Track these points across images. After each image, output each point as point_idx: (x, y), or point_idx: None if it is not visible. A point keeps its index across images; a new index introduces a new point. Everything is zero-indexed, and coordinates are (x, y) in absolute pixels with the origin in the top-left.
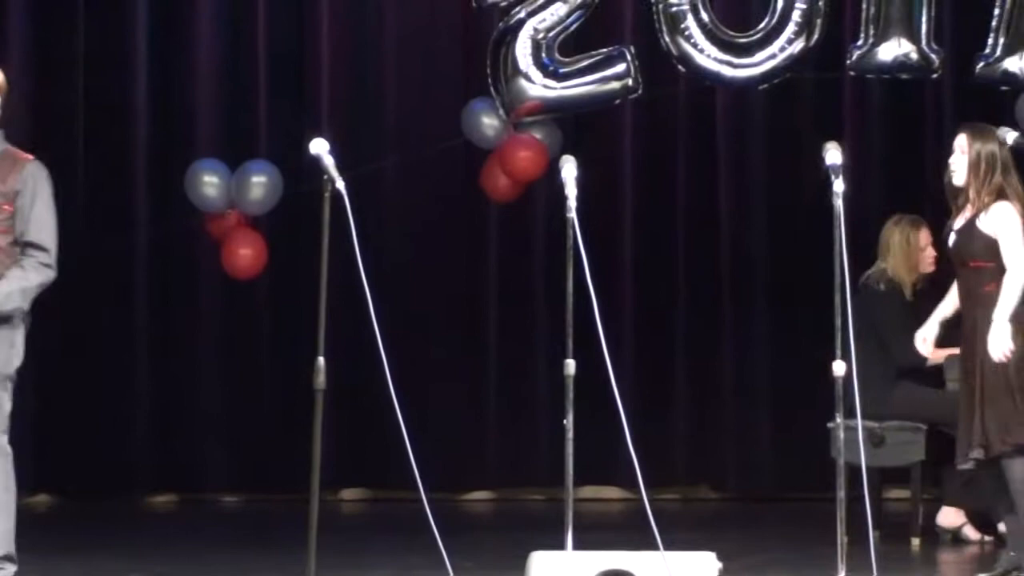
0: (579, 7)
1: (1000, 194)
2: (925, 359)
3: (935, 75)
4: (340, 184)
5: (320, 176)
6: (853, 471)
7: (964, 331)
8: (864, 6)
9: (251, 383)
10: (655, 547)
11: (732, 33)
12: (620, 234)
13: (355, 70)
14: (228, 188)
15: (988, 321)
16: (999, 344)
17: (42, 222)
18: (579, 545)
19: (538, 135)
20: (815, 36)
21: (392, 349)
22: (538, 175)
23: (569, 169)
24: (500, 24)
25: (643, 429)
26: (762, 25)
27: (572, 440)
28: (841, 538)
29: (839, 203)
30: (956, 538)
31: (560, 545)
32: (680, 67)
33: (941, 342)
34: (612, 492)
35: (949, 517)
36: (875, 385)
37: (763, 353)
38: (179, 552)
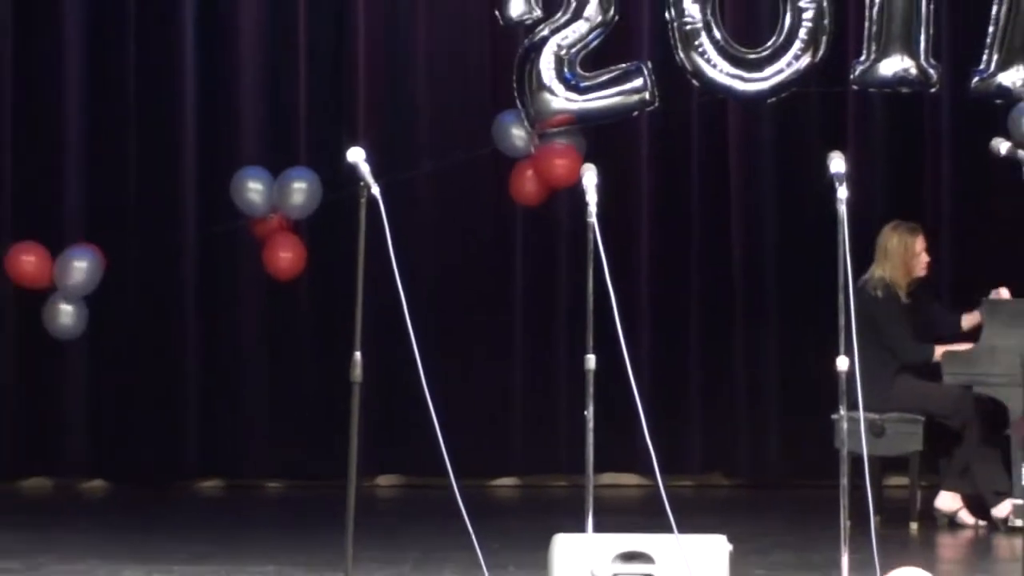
0: (599, 25)
1: None
2: (931, 357)
3: (933, 89)
4: (375, 190)
5: (357, 183)
6: (855, 460)
7: None
8: (867, 24)
9: (292, 376)
10: (670, 530)
11: (743, 49)
12: (638, 237)
13: (390, 83)
14: (271, 194)
15: None
16: None
17: None
18: (599, 528)
19: (569, 143)
20: (820, 52)
21: (424, 344)
22: (572, 182)
23: (590, 177)
24: (525, 41)
25: (659, 420)
26: (770, 42)
27: (592, 430)
28: (844, 523)
29: (843, 209)
30: (952, 522)
31: (581, 528)
32: (694, 81)
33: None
34: (630, 479)
35: (946, 502)
36: (876, 380)
37: (772, 349)
38: (224, 534)
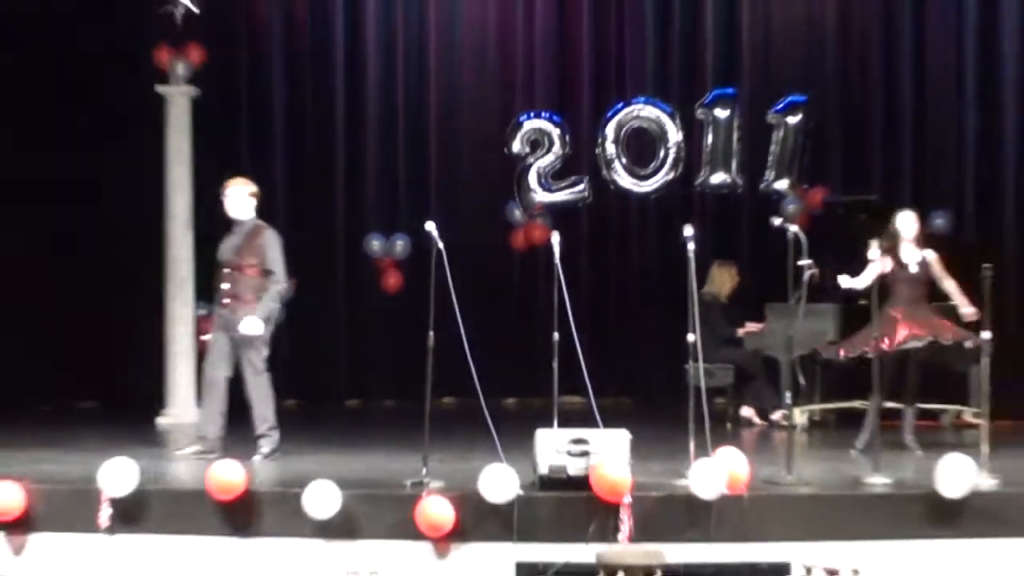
0: (560, 156)
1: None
2: (735, 335)
3: (739, 190)
4: (440, 245)
5: (432, 242)
6: (697, 390)
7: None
8: (703, 153)
9: (386, 339)
10: (598, 427)
11: (636, 169)
12: (579, 269)
13: (448, 181)
14: (384, 247)
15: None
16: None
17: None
18: (561, 426)
19: (542, 221)
20: (679, 170)
21: (467, 322)
22: (545, 241)
23: (555, 239)
24: (521, 165)
25: (595, 366)
26: (652, 166)
27: (557, 373)
28: (691, 425)
29: (691, 250)
30: (750, 423)
31: (551, 426)
32: (611, 185)
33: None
34: (577, 399)
35: (746, 412)
36: (708, 347)
37: (661, 328)
38: (360, 442)
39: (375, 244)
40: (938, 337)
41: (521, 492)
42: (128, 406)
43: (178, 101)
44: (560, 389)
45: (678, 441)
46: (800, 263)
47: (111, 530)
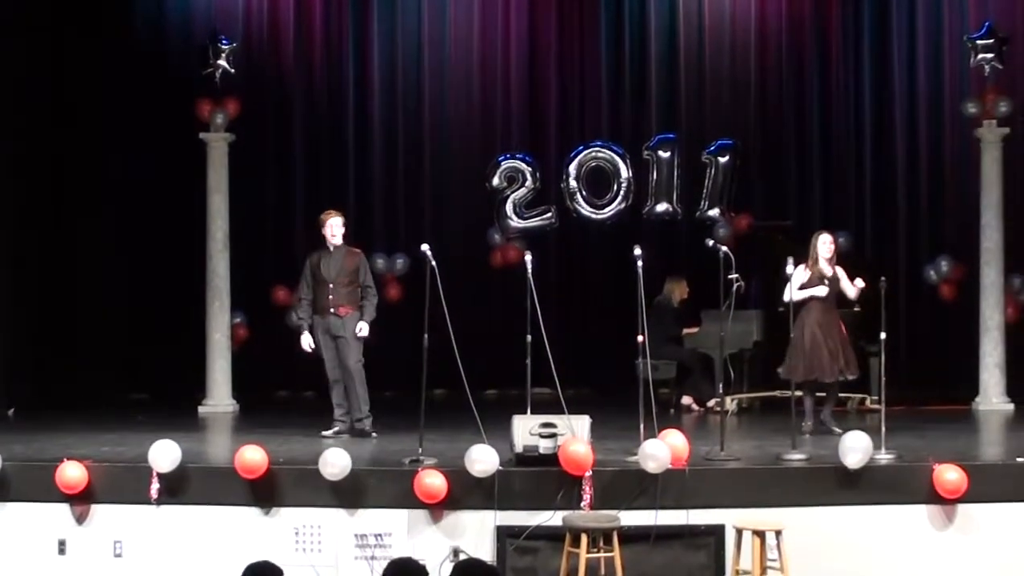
0: (532, 189)
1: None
2: (680, 334)
3: (679, 217)
4: (433, 263)
5: (426, 260)
6: (646, 382)
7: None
8: (649, 185)
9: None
10: (564, 413)
11: (595, 199)
12: (549, 282)
13: (440, 210)
14: (387, 264)
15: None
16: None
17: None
18: (533, 412)
19: (518, 245)
20: (629, 200)
21: (455, 327)
22: (519, 260)
23: (528, 258)
24: (498, 197)
25: (560, 362)
26: (607, 197)
27: (529, 367)
28: (641, 410)
29: (639, 267)
30: (689, 409)
31: (524, 412)
32: (573, 215)
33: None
34: (546, 390)
35: (686, 399)
36: (656, 345)
37: (613, 331)
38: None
39: (379, 262)
40: (844, 372)
41: (501, 467)
42: (174, 397)
43: (217, 145)
44: (532, 382)
45: (630, 424)
46: (729, 277)
47: (159, 501)
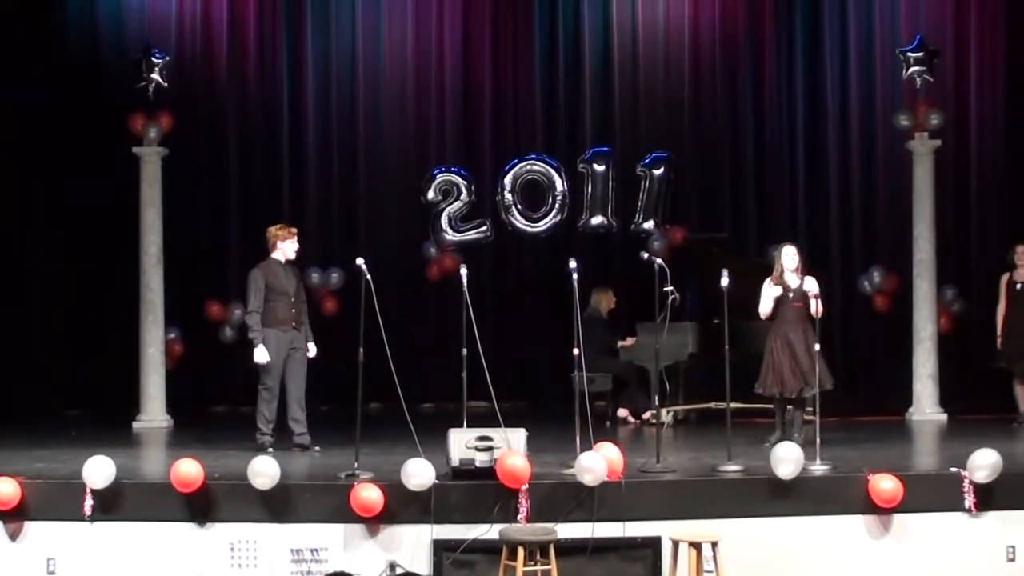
0: (467, 203)
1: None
2: (616, 346)
3: (614, 230)
4: (368, 277)
5: (361, 274)
6: (582, 395)
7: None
8: (584, 198)
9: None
10: (500, 426)
11: (530, 213)
12: (483, 291)
13: (375, 224)
14: (321, 278)
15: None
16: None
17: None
18: (469, 426)
19: (456, 255)
20: (565, 213)
21: (391, 340)
22: (455, 270)
23: (463, 271)
24: (433, 211)
25: (497, 377)
26: (542, 210)
27: (465, 381)
28: (577, 421)
29: (574, 279)
30: (625, 421)
31: (460, 425)
32: (509, 228)
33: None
34: (482, 403)
35: (622, 412)
36: (592, 357)
37: (548, 343)
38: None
39: (314, 276)
40: (804, 388)
41: (437, 481)
42: (108, 412)
43: (150, 160)
44: (468, 395)
45: (566, 437)
46: (664, 289)
47: (93, 518)
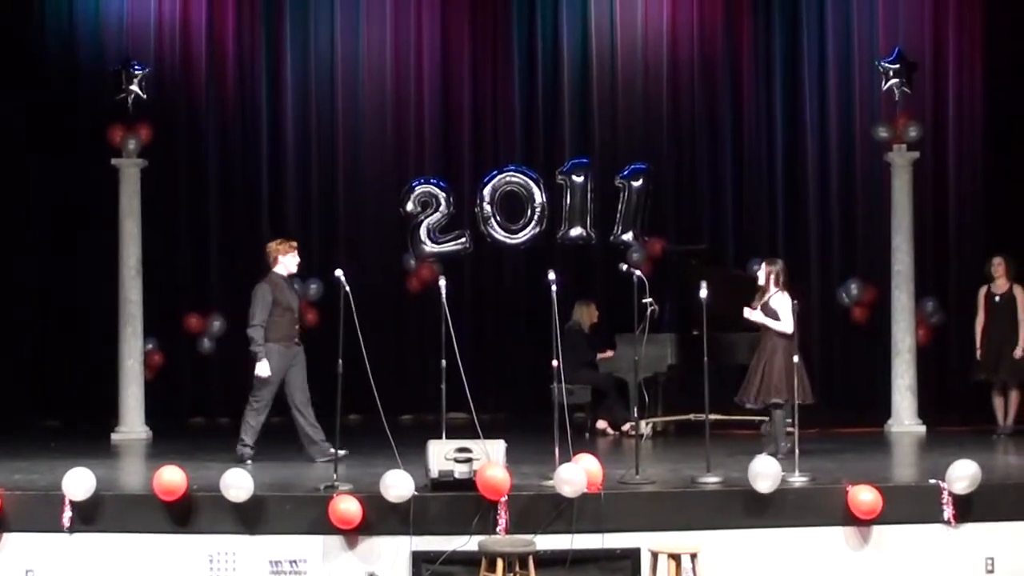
0: (446, 214)
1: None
2: (594, 358)
3: (593, 241)
4: (347, 289)
5: (340, 286)
6: (561, 407)
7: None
8: (563, 210)
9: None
10: (478, 437)
11: (509, 224)
12: (462, 303)
13: (354, 236)
14: (300, 290)
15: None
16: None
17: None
18: (448, 437)
19: (435, 266)
20: (543, 225)
21: (370, 352)
22: (435, 281)
23: (442, 283)
24: (412, 222)
25: (477, 388)
26: (521, 222)
27: (444, 392)
28: (557, 436)
29: (553, 291)
30: (604, 433)
31: (439, 436)
32: (488, 239)
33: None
34: (462, 415)
35: (601, 424)
36: (570, 369)
37: (528, 355)
38: (281, 454)
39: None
40: (765, 399)
41: (416, 493)
42: (86, 424)
43: (129, 171)
44: (447, 407)
45: (545, 449)
46: (643, 301)
47: (72, 529)
